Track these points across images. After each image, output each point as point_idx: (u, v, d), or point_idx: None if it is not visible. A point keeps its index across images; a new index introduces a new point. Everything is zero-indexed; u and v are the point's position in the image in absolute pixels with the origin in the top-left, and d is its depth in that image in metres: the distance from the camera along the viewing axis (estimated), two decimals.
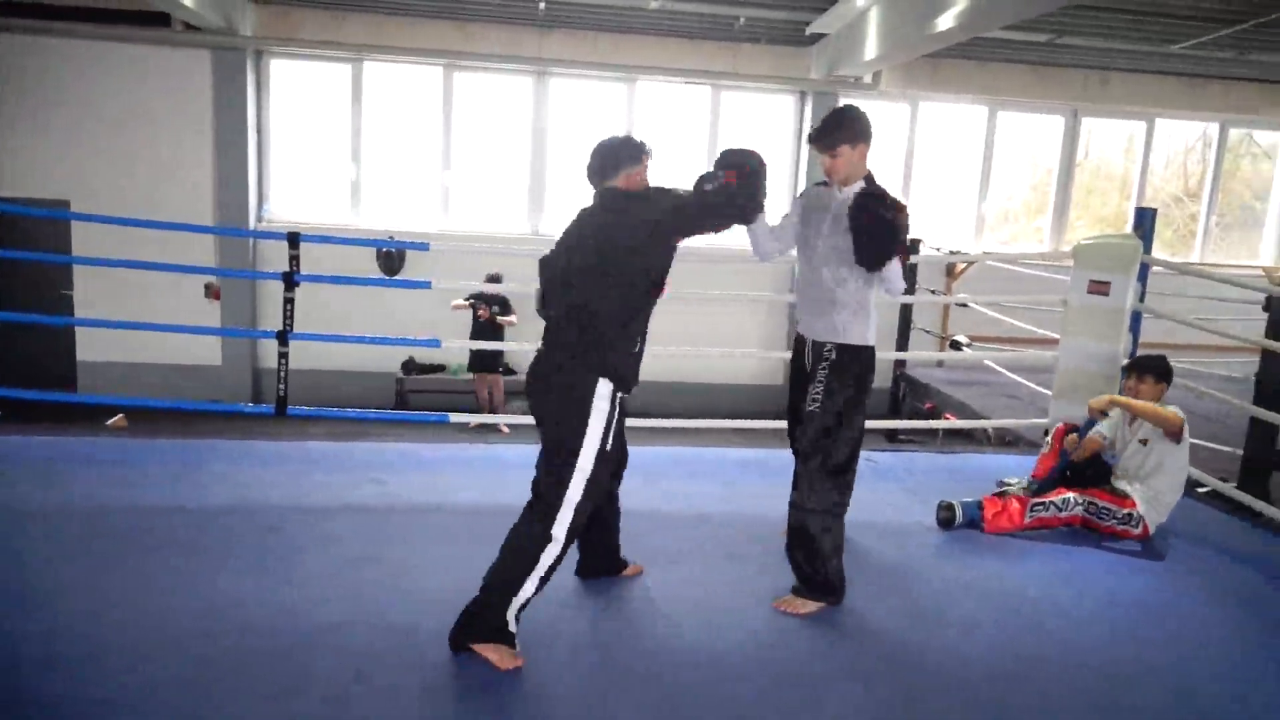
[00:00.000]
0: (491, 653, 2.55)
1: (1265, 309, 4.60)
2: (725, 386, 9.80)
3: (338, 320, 7.76)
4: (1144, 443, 3.86)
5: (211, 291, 9.10)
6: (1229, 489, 4.30)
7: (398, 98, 9.53)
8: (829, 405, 3.02)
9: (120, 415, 8.17)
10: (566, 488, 2.56)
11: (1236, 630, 3.13)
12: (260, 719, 2.31)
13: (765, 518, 3.78)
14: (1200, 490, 4.44)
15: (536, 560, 2.55)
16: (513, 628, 2.56)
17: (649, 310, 2.70)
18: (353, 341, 5.56)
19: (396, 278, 8.86)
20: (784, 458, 5.15)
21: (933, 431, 7.60)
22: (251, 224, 9.15)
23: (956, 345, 8.32)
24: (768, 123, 9.96)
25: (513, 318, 8.76)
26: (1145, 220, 4.90)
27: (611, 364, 2.61)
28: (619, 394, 2.63)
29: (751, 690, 2.56)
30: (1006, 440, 6.29)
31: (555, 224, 9.82)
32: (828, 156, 3.08)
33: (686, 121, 9.83)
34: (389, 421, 7.77)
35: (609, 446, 2.61)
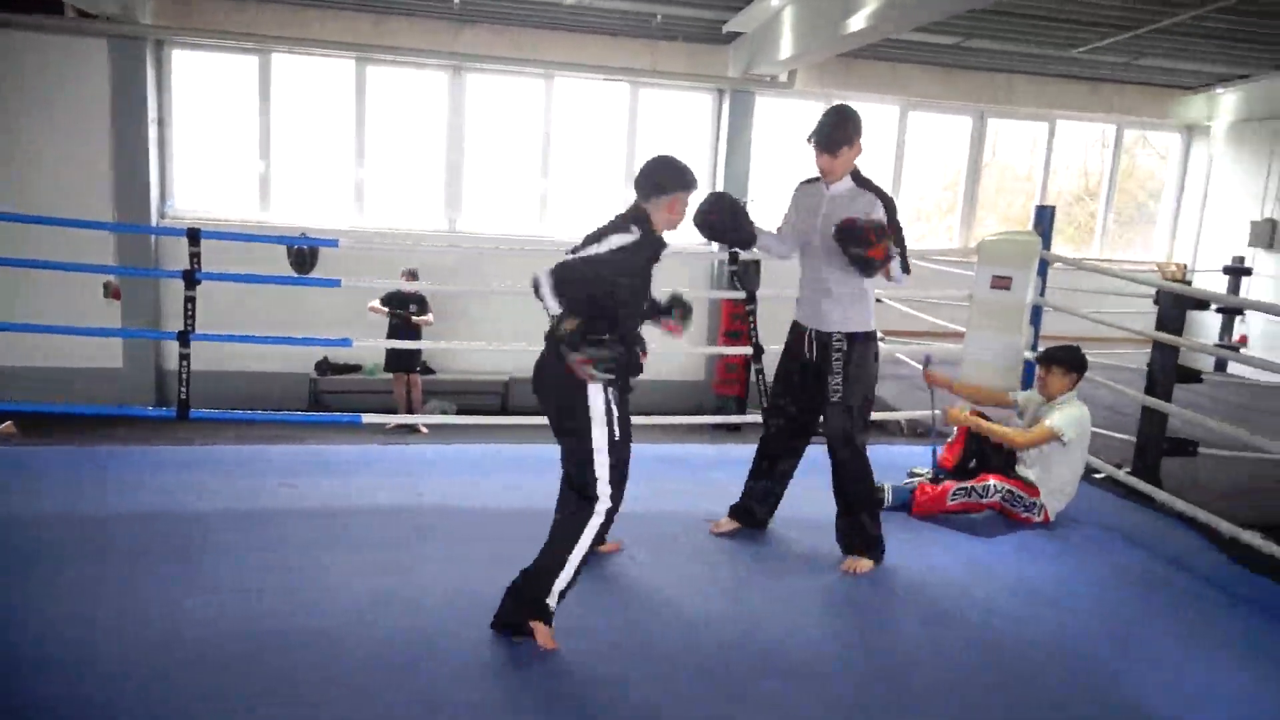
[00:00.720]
0: (538, 631, 2.64)
1: (1155, 302, 4.81)
2: (649, 383, 9.79)
3: (249, 320, 7.49)
4: None
5: (111, 290, 8.70)
6: (1123, 475, 4.49)
7: (308, 91, 9.26)
8: (849, 391, 3.30)
9: (9, 422, 7.73)
10: (592, 464, 2.67)
11: (1137, 609, 3.27)
12: None
13: (689, 513, 3.81)
14: (1096, 476, 4.62)
15: (581, 529, 2.65)
16: (552, 607, 2.66)
17: (624, 312, 2.78)
18: (259, 341, 5.39)
19: (310, 275, 8.60)
20: (707, 453, 5.20)
21: None
22: (154, 220, 8.78)
23: None
24: (686, 120, 10.01)
25: (429, 317, 8.60)
26: (1044, 218, 5.09)
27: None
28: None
29: (674, 686, 2.57)
30: (918, 431, 6.45)
31: (473, 220, 9.70)
32: (828, 156, 3.20)
33: (605, 118, 9.82)
34: (303, 424, 7.55)
35: (615, 419, 2.68)
